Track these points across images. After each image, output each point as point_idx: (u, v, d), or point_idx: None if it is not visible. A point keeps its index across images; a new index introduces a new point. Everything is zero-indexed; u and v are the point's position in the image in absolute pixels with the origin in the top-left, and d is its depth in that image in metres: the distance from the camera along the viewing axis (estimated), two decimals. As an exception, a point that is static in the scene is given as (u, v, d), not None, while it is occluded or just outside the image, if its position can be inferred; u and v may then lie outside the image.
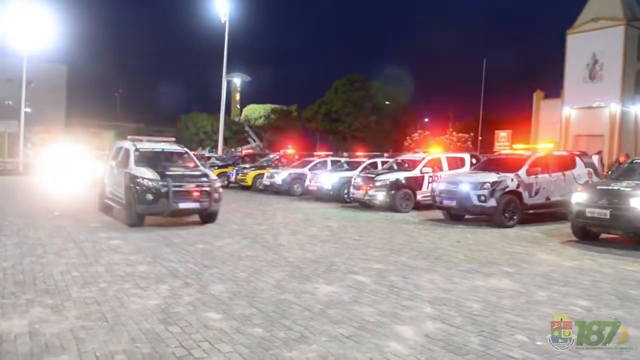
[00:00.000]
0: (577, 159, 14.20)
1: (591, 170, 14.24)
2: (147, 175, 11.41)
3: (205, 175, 12.25)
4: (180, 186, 11.41)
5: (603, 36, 32.97)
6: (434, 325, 5.11)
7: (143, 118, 64.78)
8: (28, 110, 52.20)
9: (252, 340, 4.58)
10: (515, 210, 12.66)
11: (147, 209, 11.32)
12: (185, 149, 14.34)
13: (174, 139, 15.17)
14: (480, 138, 46.23)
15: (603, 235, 10.63)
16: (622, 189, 9.81)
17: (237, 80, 49.70)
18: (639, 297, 6.38)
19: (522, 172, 12.85)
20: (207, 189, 11.75)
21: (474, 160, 17.23)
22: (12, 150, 41.83)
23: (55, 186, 21.24)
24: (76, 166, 23.28)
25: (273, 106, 52.88)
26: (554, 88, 39.22)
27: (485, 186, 12.50)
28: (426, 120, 61.56)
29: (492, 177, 12.73)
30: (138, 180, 11.36)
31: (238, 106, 58.45)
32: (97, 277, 6.83)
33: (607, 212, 9.64)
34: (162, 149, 13.53)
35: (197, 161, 13.71)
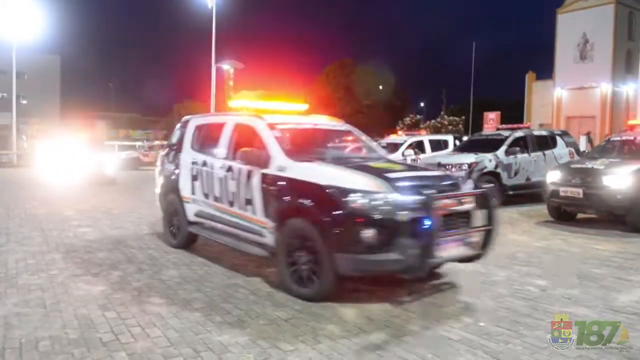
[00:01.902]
0: (558, 139, 14.07)
1: (573, 150, 14.12)
2: (360, 183, 5.07)
3: (456, 180, 5.93)
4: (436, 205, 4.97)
5: (593, 15, 32.57)
6: (380, 307, 5.00)
7: (137, 108, 64.58)
8: (24, 102, 51.94)
9: (186, 324, 4.47)
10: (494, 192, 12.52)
11: (372, 262, 4.91)
12: (349, 126, 7.51)
13: (306, 105, 7.98)
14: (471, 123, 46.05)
15: (581, 216, 10.52)
16: (595, 167, 9.68)
17: (230, 68, 49.28)
18: (599, 275, 6.28)
19: (500, 152, 12.72)
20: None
21: (457, 142, 17.10)
22: (7, 142, 41.54)
23: (47, 178, 20.72)
24: (77, 158, 22.37)
25: (263, 92, 52.65)
26: (546, 69, 38.96)
27: (462, 167, 12.37)
28: (422, 104, 61.42)
29: (469, 158, 12.60)
30: (333, 195, 5.03)
31: (232, 94, 58.22)
32: (51, 264, 6.71)
33: (580, 191, 9.52)
34: (315, 125, 7.18)
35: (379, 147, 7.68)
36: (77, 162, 20.28)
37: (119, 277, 6.09)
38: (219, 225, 6.72)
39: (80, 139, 24.56)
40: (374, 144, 7.59)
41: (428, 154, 16.01)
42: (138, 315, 4.72)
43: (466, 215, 5.39)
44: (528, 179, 13.04)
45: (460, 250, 5.30)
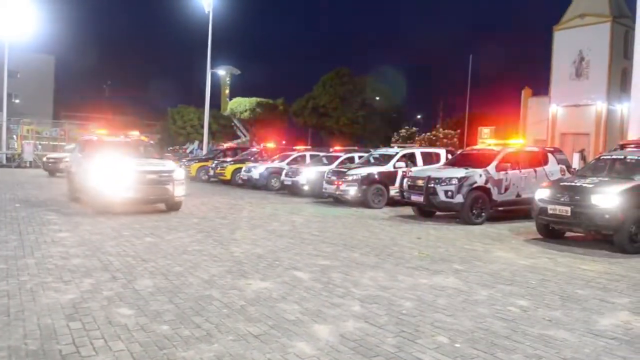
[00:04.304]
0: (550, 156, 13.98)
1: (564, 167, 14.03)
2: None
3: None
4: None
5: (589, 33, 32.67)
6: (355, 325, 4.85)
7: (132, 111, 64.40)
8: (16, 101, 51.67)
9: (152, 338, 4.31)
10: (483, 207, 12.43)
11: None
12: None
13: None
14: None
15: (570, 234, 10.42)
16: (584, 185, 9.57)
17: (226, 74, 49.10)
18: (584, 297, 6.15)
19: (491, 167, 12.61)
20: None
21: (449, 156, 16.99)
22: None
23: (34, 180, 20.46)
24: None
25: (259, 99, 52.23)
26: (543, 85, 39.00)
27: (452, 182, 12.26)
28: (419, 116, 61.52)
29: (459, 172, 12.49)
30: None
31: (228, 100, 58.13)
32: (23, 270, 6.54)
33: (568, 209, 9.41)
34: None
35: None
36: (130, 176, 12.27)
37: (91, 285, 5.92)
38: None
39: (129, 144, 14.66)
40: None
41: (419, 167, 15.88)
42: (103, 326, 4.56)
43: None
44: (518, 195, 12.94)
45: None
